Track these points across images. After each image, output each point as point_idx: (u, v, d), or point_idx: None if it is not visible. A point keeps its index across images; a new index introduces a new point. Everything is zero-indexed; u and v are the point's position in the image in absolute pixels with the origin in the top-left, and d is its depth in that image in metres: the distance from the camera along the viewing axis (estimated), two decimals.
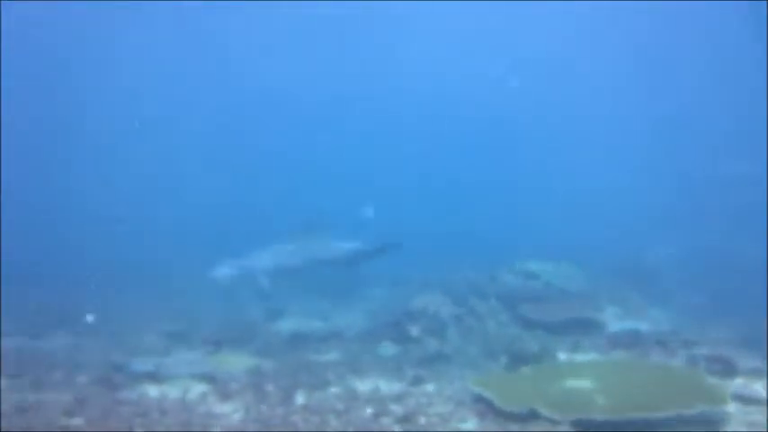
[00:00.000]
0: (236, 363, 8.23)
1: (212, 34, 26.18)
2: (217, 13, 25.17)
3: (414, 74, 28.88)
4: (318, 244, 11.42)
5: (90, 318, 10.17)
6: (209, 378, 7.48)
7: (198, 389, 7.17)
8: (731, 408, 6.05)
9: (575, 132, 29.15)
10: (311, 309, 11.94)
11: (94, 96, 25.87)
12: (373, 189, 22.48)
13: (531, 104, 29.13)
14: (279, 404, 6.55)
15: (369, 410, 6.34)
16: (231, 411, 6.40)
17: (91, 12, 22.50)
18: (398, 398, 6.77)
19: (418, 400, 6.66)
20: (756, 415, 6.02)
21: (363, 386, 7.32)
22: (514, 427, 5.71)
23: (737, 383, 6.90)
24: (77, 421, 5.99)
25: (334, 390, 7.19)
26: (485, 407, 6.22)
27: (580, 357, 8.30)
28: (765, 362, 7.38)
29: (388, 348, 9.02)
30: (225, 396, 6.86)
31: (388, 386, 7.32)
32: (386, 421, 6.04)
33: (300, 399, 6.80)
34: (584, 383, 6.29)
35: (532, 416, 5.74)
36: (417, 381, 7.47)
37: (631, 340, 8.86)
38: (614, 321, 10.18)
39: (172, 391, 7.08)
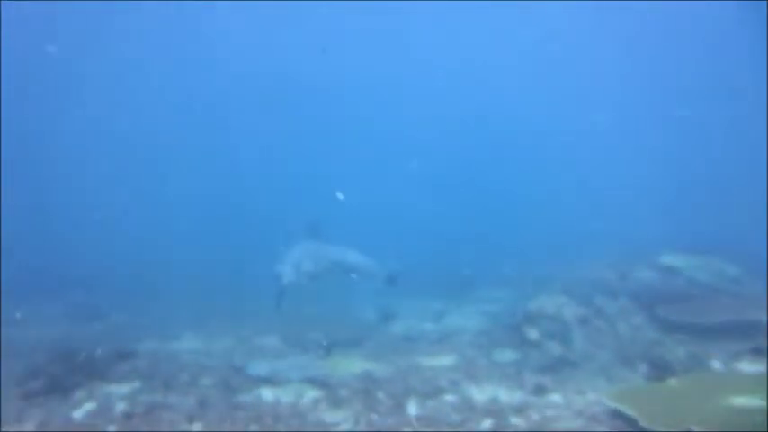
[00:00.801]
0: (348, 366, 8.14)
1: (212, 33, 25.70)
2: (217, 13, 24.56)
3: (422, 74, 28.36)
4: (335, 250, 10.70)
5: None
6: (320, 383, 7.40)
7: (310, 394, 7.09)
8: None
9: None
10: (424, 310, 11.65)
11: (95, 96, 25.94)
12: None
13: (535, 105, 28.23)
14: (390, 413, 6.25)
15: (487, 423, 5.81)
16: (341, 420, 6.20)
17: (86, 11, 21.82)
18: (520, 409, 6.18)
19: (543, 413, 6.02)
20: None
21: (480, 394, 6.81)
22: None
23: None
24: (197, 426, 6.14)
25: (448, 398, 6.75)
26: (624, 424, 5.44)
27: (745, 368, 7.08)
28: None
29: (505, 353, 8.40)
30: (335, 403, 6.70)
31: (507, 395, 6.74)
32: None
33: (412, 408, 6.44)
34: (754, 401, 5.26)
35: None
36: (540, 390, 6.81)
37: None
38: None
39: (285, 396, 7.08)
